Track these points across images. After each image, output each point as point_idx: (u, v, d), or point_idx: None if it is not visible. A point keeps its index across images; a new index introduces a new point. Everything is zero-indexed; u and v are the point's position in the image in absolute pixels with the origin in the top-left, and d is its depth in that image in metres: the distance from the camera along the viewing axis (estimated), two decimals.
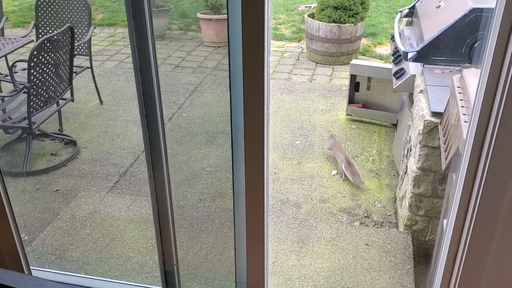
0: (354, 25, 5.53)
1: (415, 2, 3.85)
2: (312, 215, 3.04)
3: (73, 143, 3.81)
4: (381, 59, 5.88)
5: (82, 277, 2.20)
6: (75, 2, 4.20)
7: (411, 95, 3.17)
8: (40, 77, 3.21)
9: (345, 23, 5.49)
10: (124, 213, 2.91)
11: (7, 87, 3.75)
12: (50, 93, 3.41)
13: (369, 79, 4.14)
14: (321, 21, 5.55)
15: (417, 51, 2.90)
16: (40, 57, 3.17)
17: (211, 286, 2.28)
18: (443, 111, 2.32)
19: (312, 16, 5.80)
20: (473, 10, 2.72)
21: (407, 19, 3.90)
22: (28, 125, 3.28)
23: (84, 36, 4.20)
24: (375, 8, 7.58)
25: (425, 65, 2.89)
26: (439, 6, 3.29)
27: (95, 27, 4.65)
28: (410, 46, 3.26)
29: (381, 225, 2.96)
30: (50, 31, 4.23)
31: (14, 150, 3.74)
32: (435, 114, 2.41)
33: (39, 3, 4.20)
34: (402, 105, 3.50)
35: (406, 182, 2.80)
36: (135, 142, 3.87)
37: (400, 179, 3.08)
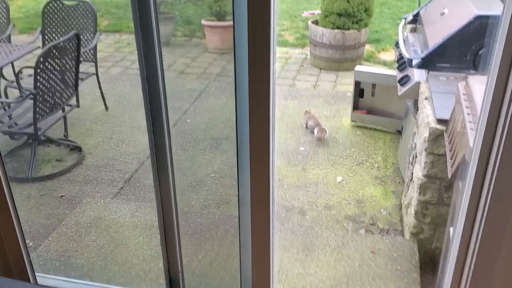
0: (358, 31, 5.53)
1: (419, 9, 3.86)
2: (317, 222, 3.04)
3: (78, 149, 3.82)
4: (385, 65, 5.88)
5: (87, 284, 2.19)
6: (81, 9, 4.23)
7: (416, 102, 3.16)
8: (46, 83, 3.23)
9: (349, 29, 5.50)
10: (128, 219, 2.91)
11: (13, 93, 3.77)
12: (56, 99, 3.43)
13: (373, 85, 4.13)
14: (325, 27, 5.56)
15: (422, 58, 2.90)
16: (47, 63, 3.19)
17: None
18: (448, 118, 2.31)
19: (316, 22, 5.81)
20: (478, 17, 2.72)
21: (411, 25, 3.90)
22: (33, 131, 3.30)
23: (90, 43, 4.22)
24: (378, 15, 7.59)
25: (430, 72, 2.89)
26: (444, 13, 3.30)
27: (101, 34, 4.68)
28: (415, 52, 3.26)
29: (387, 233, 2.94)
30: (56, 37, 4.26)
31: (20, 156, 3.75)
32: (440, 121, 2.40)
33: (46, 10, 4.23)
34: (407, 112, 3.49)
35: (411, 189, 2.79)
36: (139, 148, 3.87)
37: (406, 186, 3.07)
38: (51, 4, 4.23)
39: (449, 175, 2.00)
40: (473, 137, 1.56)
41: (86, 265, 2.57)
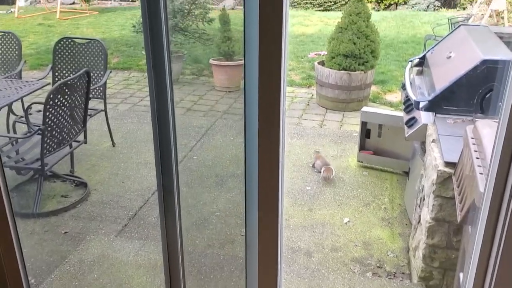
0: (364, 72, 5.60)
1: (425, 52, 3.91)
2: (324, 265, 2.98)
3: (83, 184, 3.81)
4: (391, 106, 5.92)
5: None
6: (92, 47, 4.31)
7: (423, 143, 3.16)
8: (55, 119, 3.26)
9: (355, 71, 5.57)
10: (132, 258, 2.87)
11: (22, 128, 3.80)
12: (64, 135, 3.45)
13: (380, 126, 4.15)
14: (331, 68, 5.64)
15: (429, 101, 2.92)
16: (56, 100, 3.22)
17: None
18: (456, 162, 2.30)
19: (322, 63, 5.90)
20: (484, 62, 2.74)
21: (417, 68, 3.95)
22: (40, 167, 3.30)
23: (100, 80, 4.29)
24: (384, 56, 7.70)
25: (437, 115, 2.90)
26: (450, 56, 3.34)
27: (110, 72, 4.75)
28: (421, 95, 3.28)
29: (394, 276, 2.88)
30: (67, 74, 4.33)
31: (25, 191, 3.74)
32: (448, 164, 2.39)
33: (57, 47, 4.32)
34: (414, 153, 3.49)
35: (419, 232, 2.75)
36: (145, 184, 3.86)
37: (413, 229, 3.03)
38: (62, 42, 4.32)
39: (459, 219, 1.98)
40: (483, 182, 1.55)
41: None
